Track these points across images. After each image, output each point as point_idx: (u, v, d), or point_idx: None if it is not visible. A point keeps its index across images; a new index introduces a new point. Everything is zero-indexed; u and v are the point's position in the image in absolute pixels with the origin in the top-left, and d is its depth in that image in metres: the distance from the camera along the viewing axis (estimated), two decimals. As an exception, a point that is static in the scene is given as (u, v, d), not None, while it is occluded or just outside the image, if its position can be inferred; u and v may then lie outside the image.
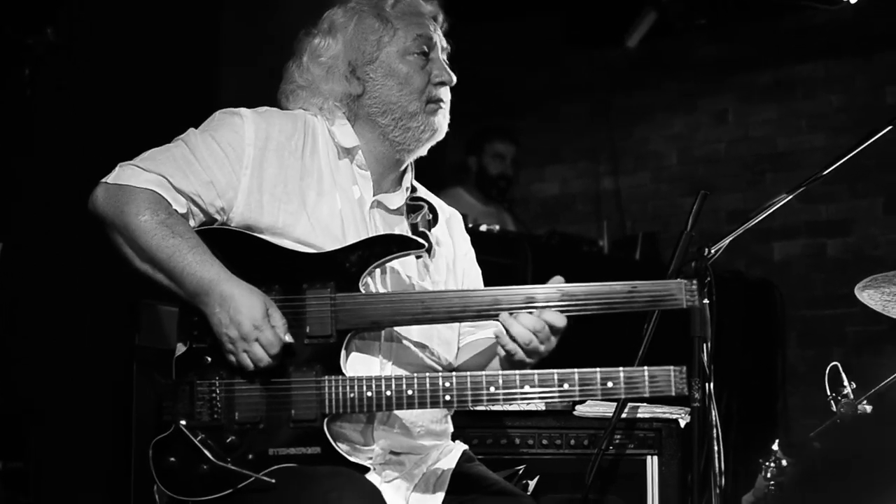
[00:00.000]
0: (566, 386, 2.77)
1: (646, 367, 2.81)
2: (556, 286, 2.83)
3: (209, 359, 2.78)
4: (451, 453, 3.07)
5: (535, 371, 2.80)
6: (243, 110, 2.92)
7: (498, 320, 2.82)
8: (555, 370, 2.79)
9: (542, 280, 2.87)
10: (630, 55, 8.02)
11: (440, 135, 3.03)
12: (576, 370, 2.79)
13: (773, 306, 7.59)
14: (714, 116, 8.08)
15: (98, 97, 5.13)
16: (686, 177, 8.12)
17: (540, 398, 2.80)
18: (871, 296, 3.69)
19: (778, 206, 3.36)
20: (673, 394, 2.83)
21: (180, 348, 2.82)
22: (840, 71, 7.62)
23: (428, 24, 3.03)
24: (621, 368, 2.81)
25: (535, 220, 8.31)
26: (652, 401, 3.77)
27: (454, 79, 3.03)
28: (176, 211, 2.80)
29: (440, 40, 3.05)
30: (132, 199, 2.76)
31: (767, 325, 7.56)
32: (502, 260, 5.79)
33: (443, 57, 3.06)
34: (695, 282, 2.83)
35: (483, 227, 6.26)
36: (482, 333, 3.16)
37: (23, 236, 5.13)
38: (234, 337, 2.71)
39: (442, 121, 3.03)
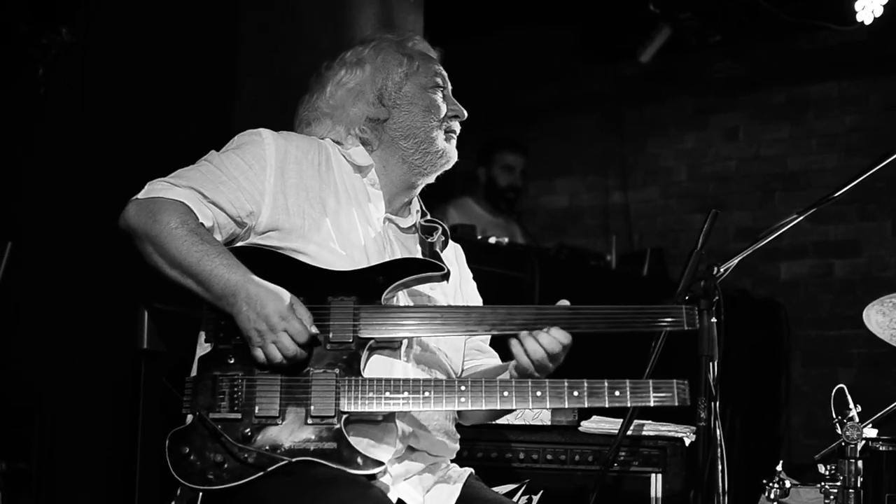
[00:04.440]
0: (576, 393, 2.88)
1: (651, 380, 2.93)
2: (566, 305, 2.98)
3: (232, 359, 2.86)
4: (461, 471, 3.17)
5: (547, 379, 2.92)
6: (262, 130, 3.08)
7: (510, 335, 2.97)
8: (565, 379, 2.90)
9: (549, 293, 2.96)
10: (644, 69, 8.02)
11: (451, 162, 3.23)
12: (584, 380, 2.89)
13: (778, 326, 7.58)
14: (725, 133, 8.06)
15: (111, 98, 5.13)
16: (696, 193, 8.11)
17: (551, 403, 2.90)
18: (879, 322, 3.68)
19: (788, 227, 3.36)
20: (676, 403, 2.91)
21: (206, 348, 2.90)
22: (853, 91, 7.61)
23: (440, 66, 3.27)
24: (627, 379, 2.91)
25: (543, 232, 8.30)
26: (658, 419, 3.78)
27: (466, 114, 3.24)
28: (203, 224, 2.91)
29: (448, 81, 3.28)
30: (164, 209, 2.88)
31: (773, 344, 7.55)
32: (510, 273, 5.80)
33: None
34: (696, 308, 2.97)
35: (492, 240, 6.26)
36: (487, 361, 3.32)
37: (30, 235, 5.13)
38: (262, 330, 2.79)
39: (454, 150, 3.23)
